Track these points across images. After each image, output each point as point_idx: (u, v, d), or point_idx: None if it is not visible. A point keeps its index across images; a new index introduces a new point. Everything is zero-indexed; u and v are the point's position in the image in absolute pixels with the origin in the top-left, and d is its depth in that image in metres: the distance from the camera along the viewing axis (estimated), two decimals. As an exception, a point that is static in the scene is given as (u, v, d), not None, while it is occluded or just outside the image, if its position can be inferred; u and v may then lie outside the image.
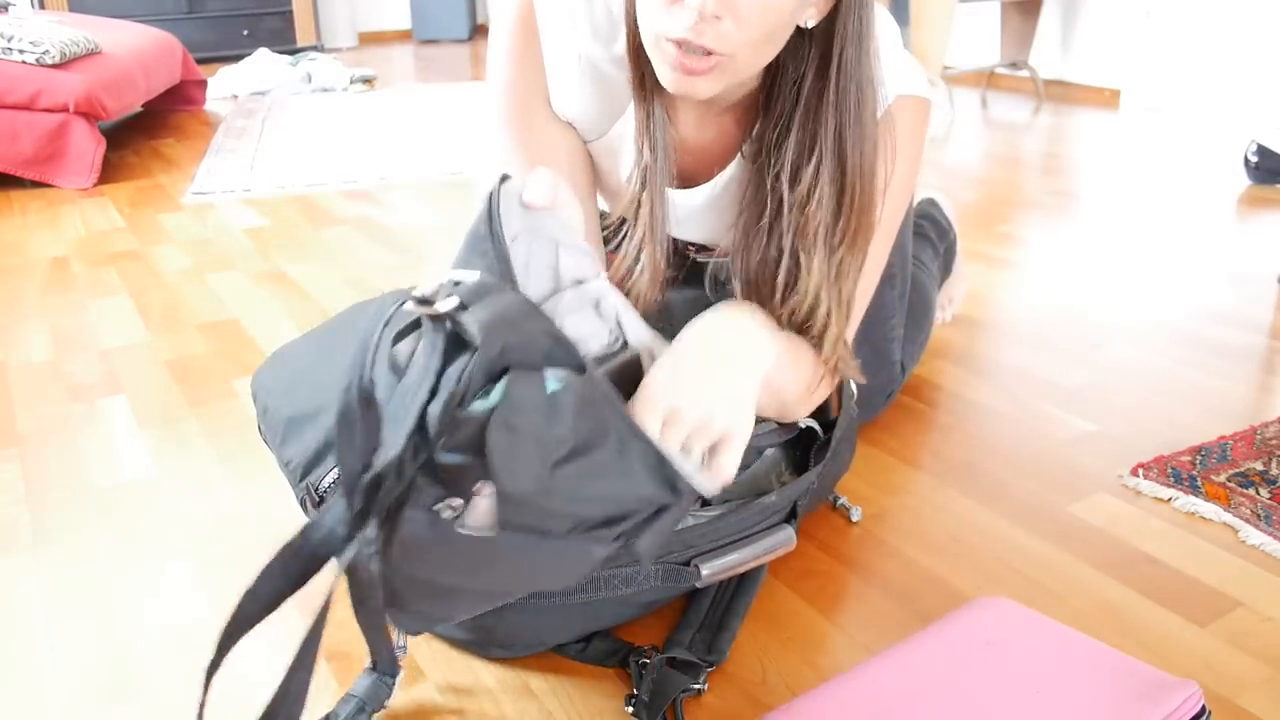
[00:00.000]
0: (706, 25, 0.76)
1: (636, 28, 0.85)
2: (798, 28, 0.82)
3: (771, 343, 0.84)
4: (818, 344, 0.91)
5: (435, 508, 0.63)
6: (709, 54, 0.78)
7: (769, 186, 0.89)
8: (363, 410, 0.67)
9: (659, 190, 0.93)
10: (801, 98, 0.85)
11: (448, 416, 0.61)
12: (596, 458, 0.66)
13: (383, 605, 0.69)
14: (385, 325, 0.67)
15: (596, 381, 0.65)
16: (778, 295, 0.90)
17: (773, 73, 0.88)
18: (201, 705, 0.62)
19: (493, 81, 0.99)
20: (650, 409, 0.73)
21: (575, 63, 0.94)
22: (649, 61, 0.87)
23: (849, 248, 0.88)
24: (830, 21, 0.82)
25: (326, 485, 0.81)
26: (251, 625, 0.68)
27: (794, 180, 0.87)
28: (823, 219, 0.86)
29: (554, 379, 0.63)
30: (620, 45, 0.91)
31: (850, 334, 0.96)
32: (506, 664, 0.87)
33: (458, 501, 0.63)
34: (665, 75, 0.82)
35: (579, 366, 0.65)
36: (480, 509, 0.62)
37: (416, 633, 0.84)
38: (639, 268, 0.95)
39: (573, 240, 0.79)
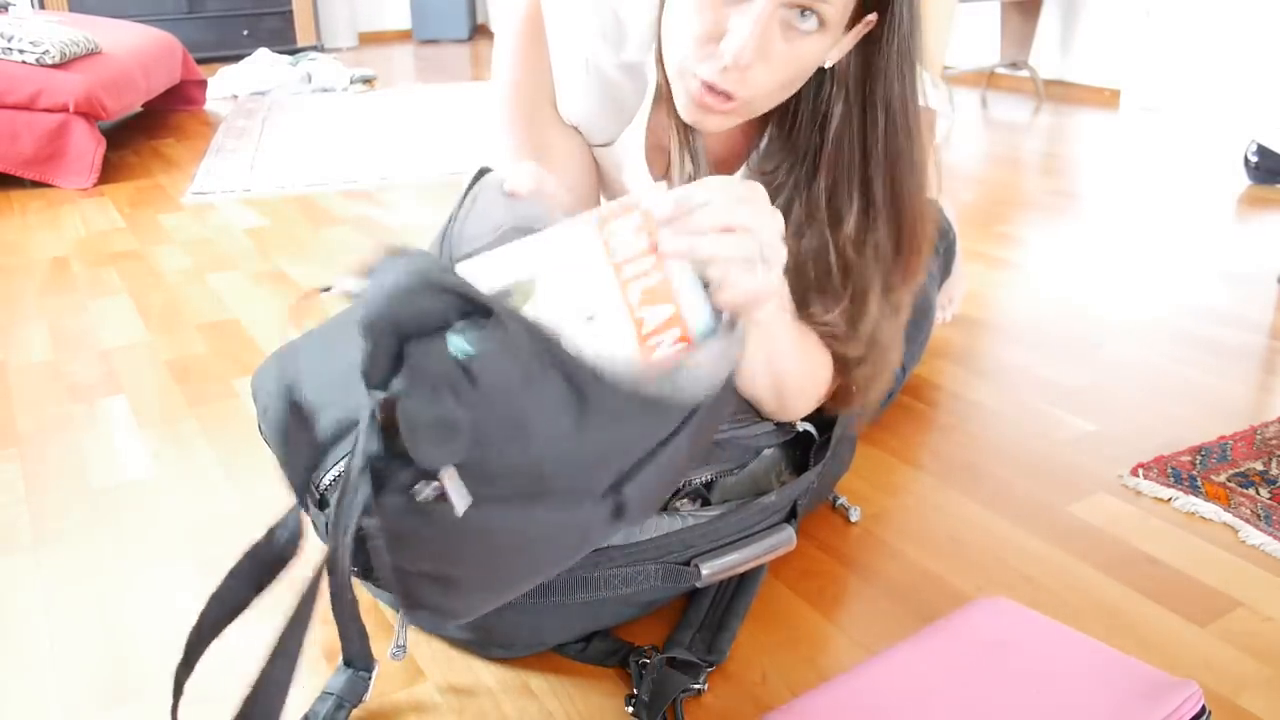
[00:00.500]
0: (737, 73, 0.75)
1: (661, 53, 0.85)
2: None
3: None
4: (857, 376, 0.91)
5: (411, 489, 0.62)
6: (731, 98, 0.78)
7: (803, 218, 0.88)
8: (293, 415, 0.66)
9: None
10: (828, 140, 0.85)
11: (375, 405, 0.60)
12: (546, 393, 0.61)
13: (398, 604, 0.69)
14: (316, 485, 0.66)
15: (516, 322, 0.60)
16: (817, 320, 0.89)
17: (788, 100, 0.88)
18: (174, 709, 0.62)
19: (497, 83, 0.99)
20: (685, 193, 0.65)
21: (582, 67, 0.93)
22: None
23: (904, 285, 0.88)
24: (865, 69, 0.81)
25: (326, 484, 0.81)
26: (219, 629, 0.68)
27: (837, 221, 0.86)
28: (882, 263, 0.86)
29: (460, 339, 0.60)
30: (628, 51, 0.91)
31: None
32: (506, 664, 0.87)
33: (435, 483, 0.61)
34: (683, 106, 0.82)
35: (487, 311, 0.60)
36: (451, 484, 0.61)
37: (434, 630, 0.84)
38: None
39: (537, 219, 0.77)
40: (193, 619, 0.94)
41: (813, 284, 0.88)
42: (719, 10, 0.75)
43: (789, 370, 0.88)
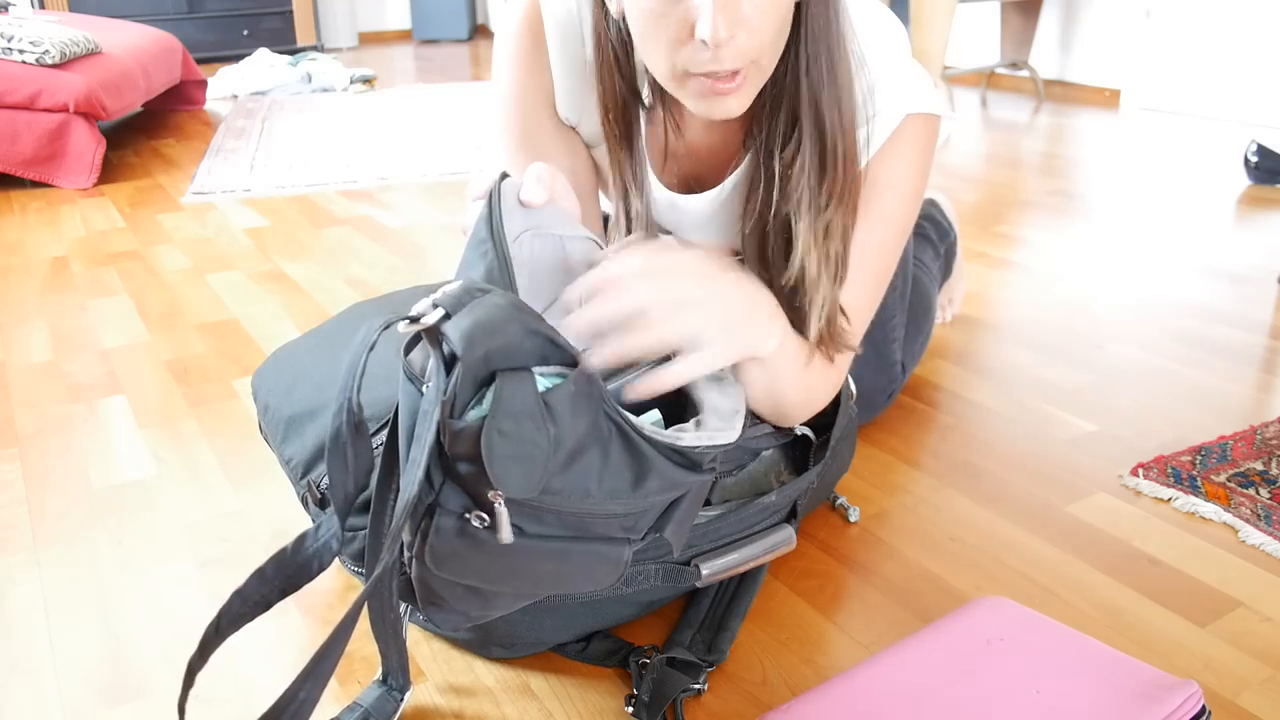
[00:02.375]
0: (724, 50, 0.76)
1: (617, 78, 0.86)
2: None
3: (780, 324, 0.83)
4: (810, 313, 0.91)
5: (465, 515, 0.64)
6: (736, 73, 0.78)
7: (761, 163, 0.89)
8: (352, 435, 0.68)
9: (648, 212, 0.94)
10: (787, 70, 0.85)
11: (444, 430, 0.62)
12: (609, 451, 0.66)
13: (420, 604, 0.70)
14: (370, 349, 0.67)
15: (591, 375, 0.65)
16: (773, 269, 0.90)
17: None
18: (183, 700, 0.62)
19: (496, 85, 0.99)
20: (604, 273, 0.72)
21: (582, 68, 0.93)
22: (633, 109, 0.88)
23: (835, 207, 0.87)
24: None
25: (327, 482, 0.81)
26: (238, 625, 0.69)
27: (781, 151, 0.87)
28: (806, 182, 0.86)
29: (545, 377, 0.63)
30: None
31: (858, 333, 0.95)
32: (506, 664, 0.87)
33: (483, 514, 0.64)
34: (697, 106, 0.81)
35: (571, 361, 0.65)
36: (502, 520, 0.63)
37: (455, 630, 0.84)
38: None
39: (575, 230, 0.79)
40: (192, 618, 0.94)
41: (764, 225, 0.90)
42: (676, 6, 0.76)
43: (788, 399, 0.90)
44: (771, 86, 0.87)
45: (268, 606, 0.71)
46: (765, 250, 0.92)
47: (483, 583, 0.68)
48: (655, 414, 0.77)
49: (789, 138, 0.87)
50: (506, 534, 0.63)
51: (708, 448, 0.71)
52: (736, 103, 0.81)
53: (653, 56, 0.80)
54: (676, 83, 0.80)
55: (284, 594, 0.72)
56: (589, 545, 0.68)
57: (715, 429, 0.73)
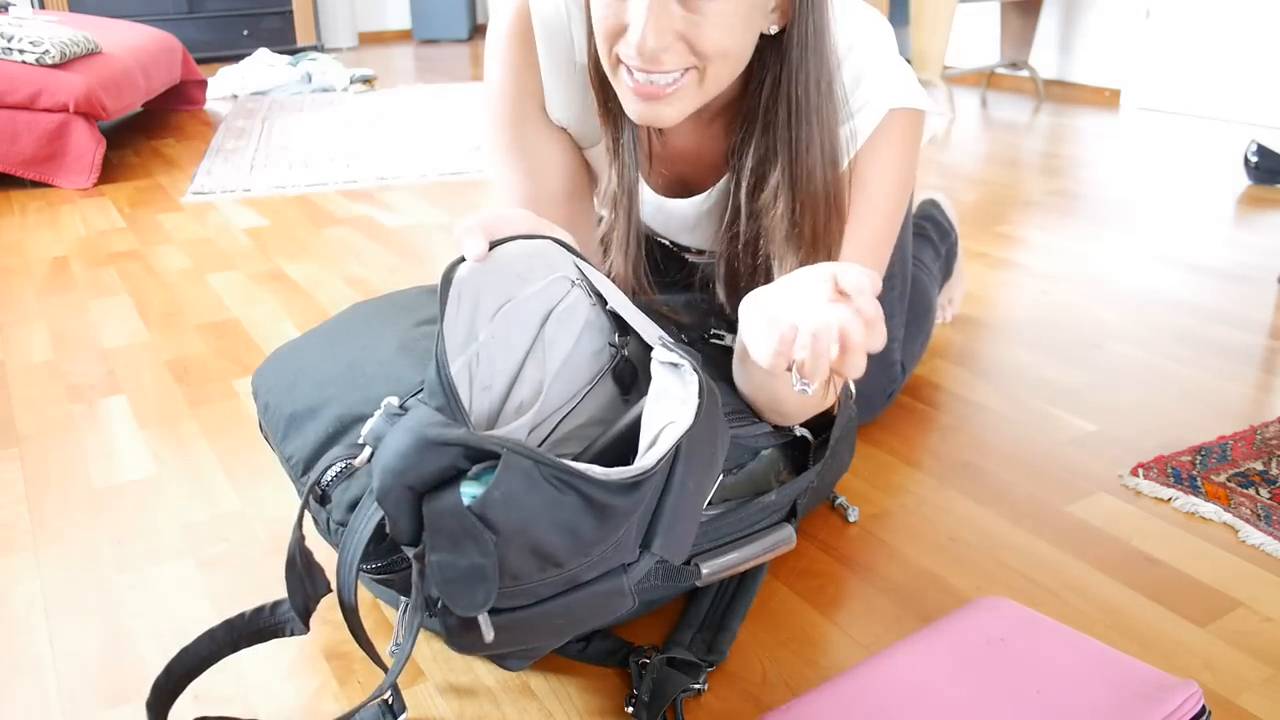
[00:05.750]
0: (652, 59, 0.77)
1: (598, 55, 0.87)
2: (764, 34, 0.82)
3: None
4: None
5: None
6: (672, 80, 0.78)
7: (732, 193, 0.90)
8: (305, 563, 0.72)
9: (633, 214, 0.94)
10: (761, 104, 0.86)
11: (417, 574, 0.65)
12: (567, 510, 0.64)
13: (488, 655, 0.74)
14: (315, 483, 0.71)
15: (524, 458, 0.62)
16: (740, 293, 0.91)
17: (746, 79, 0.88)
18: None
19: (486, 86, 0.99)
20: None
21: (571, 70, 0.94)
22: (618, 101, 0.88)
23: (812, 250, 0.88)
24: (787, 28, 0.82)
25: (329, 480, 0.81)
26: (187, 682, 0.73)
27: (756, 188, 0.88)
28: (784, 224, 0.87)
29: (476, 481, 0.63)
30: None
31: None
32: (506, 664, 0.88)
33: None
34: (629, 106, 0.82)
35: (492, 454, 0.63)
36: (482, 624, 0.66)
37: (520, 668, 0.87)
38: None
39: (532, 281, 0.79)
40: (192, 618, 0.94)
41: (741, 254, 0.92)
42: (618, 4, 0.77)
43: (788, 411, 0.92)
44: (747, 110, 0.87)
45: (215, 661, 0.75)
46: (735, 276, 0.93)
47: (517, 647, 0.71)
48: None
49: (764, 177, 0.87)
50: (488, 634, 0.66)
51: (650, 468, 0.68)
52: (670, 111, 0.81)
53: (598, 39, 0.81)
54: (611, 70, 0.82)
55: (234, 650, 0.76)
56: (590, 588, 0.69)
57: (664, 421, 0.71)
